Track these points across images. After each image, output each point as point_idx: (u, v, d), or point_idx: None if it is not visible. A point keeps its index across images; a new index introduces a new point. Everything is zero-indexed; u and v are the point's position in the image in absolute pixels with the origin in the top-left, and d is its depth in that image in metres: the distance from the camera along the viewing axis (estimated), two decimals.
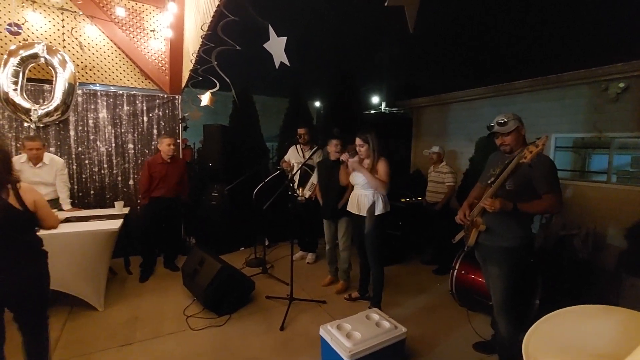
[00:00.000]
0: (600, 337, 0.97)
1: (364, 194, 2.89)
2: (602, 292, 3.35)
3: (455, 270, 3.10)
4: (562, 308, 1.10)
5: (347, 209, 3.05)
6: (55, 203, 3.37)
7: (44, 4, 3.72)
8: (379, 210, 2.83)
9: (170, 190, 3.73)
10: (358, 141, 2.87)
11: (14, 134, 3.65)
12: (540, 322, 1.05)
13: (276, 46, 2.01)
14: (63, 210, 3.39)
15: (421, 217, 4.44)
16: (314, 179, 3.92)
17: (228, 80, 2.80)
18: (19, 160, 3.17)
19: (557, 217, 3.85)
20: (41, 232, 1.88)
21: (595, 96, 4.01)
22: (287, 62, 2.02)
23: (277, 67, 2.06)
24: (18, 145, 3.62)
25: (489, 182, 2.06)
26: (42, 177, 3.27)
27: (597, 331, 0.98)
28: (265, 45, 2.02)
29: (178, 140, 4.53)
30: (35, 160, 3.21)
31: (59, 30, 3.85)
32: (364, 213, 2.87)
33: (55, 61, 3.55)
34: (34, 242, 1.83)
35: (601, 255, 3.69)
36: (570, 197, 4.15)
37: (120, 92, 4.18)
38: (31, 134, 3.63)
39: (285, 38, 2.00)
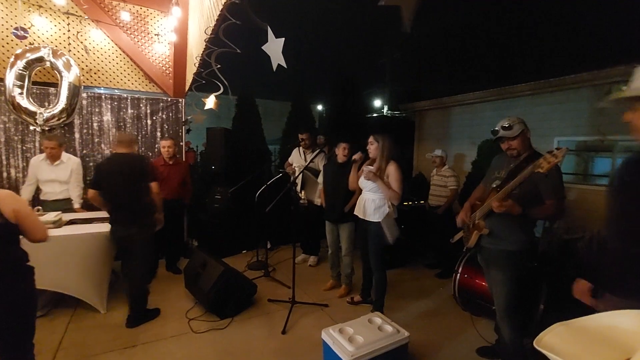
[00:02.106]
0: (617, 333, 0.95)
1: (370, 198, 2.87)
2: None
3: (458, 274, 3.08)
4: (566, 314, 1.09)
5: (354, 212, 3.04)
6: (67, 203, 3.47)
7: (50, 8, 3.77)
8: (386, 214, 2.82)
9: (171, 192, 3.74)
10: (370, 139, 2.91)
11: (19, 137, 3.69)
12: (556, 325, 1.03)
13: (274, 48, 1.98)
14: (74, 208, 3.50)
15: (424, 220, 4.43)
16: (319, 185, 3.90)
17: (227, 83, 2.82)
18: (39, 158, 3.39)
19: (560, 221, 3.82)
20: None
21: (598, 99, 4.00)
22: (284, 65, 2.00)
23: (274, 69, 2.03)
24: (24, 148, 3.69)
25: (494, 185, 2.06)
26: (58, 175, 3.40)
27: (614, 327, 0.97)
28: (264, 47, 2.00)
29: (181, 143, 4.55)
30: (52, 158, 3.35)
31: (64, 34, 3.89)
32: (369, 218, 2.85)
33: (60, 65, 3.60)
34: (17, 258, 1.61)
35: None
36: (574, 200, 4.12)
37: (125, 95, 4.21)
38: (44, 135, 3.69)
39: (283, 39, 1.97)
